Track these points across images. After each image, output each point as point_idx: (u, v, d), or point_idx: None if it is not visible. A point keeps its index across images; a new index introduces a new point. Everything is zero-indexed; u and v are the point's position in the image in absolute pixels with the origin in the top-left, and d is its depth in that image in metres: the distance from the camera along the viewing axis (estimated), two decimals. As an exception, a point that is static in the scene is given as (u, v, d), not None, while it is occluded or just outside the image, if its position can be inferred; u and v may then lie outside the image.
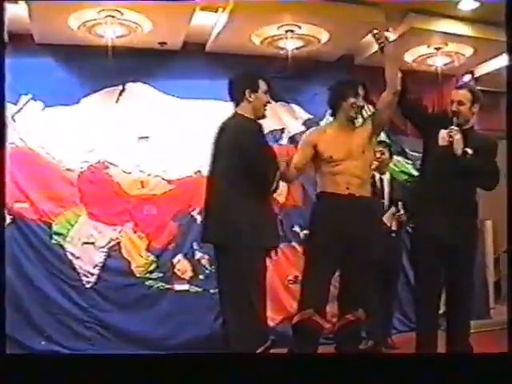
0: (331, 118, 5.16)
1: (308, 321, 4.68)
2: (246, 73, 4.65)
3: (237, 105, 4.51)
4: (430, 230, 4.92)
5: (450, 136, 4.81)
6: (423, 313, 5.13)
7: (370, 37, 5.08)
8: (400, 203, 6.25)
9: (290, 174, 4.86)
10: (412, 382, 2.69)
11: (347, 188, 4.71)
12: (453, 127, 4.84)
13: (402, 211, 6.25)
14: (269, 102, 4.56)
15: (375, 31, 4.95)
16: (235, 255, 4.22)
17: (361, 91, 4.87)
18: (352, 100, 4.82)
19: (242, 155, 4.24)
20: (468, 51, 6.78)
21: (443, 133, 4.87)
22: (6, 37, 5.88)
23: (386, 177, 6.51)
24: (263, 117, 4.52)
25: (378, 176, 6.35)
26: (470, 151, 4.79)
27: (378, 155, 6.19)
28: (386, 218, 6.22)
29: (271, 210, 4.62)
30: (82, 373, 2.67)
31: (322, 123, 7.01)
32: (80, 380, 2.65)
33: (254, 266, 4.26)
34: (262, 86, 4.46)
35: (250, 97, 4.40)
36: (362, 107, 4.95)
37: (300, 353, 4.73)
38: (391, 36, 5.19)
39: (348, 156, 4.75)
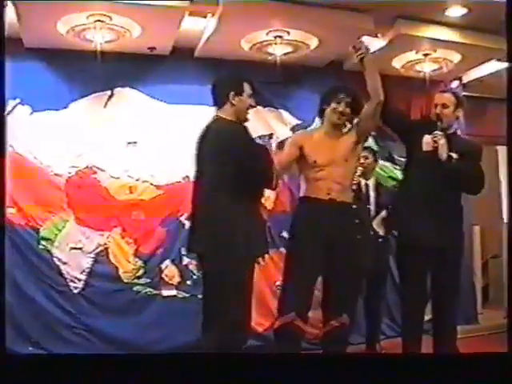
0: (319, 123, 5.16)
1: (290, 325, 4.64)
2: (230, 75, 4.60)
3: (219, 108, 4.41)
4: (416, 234, 4.94)
5: (435, 141, 4.83)
6: (408, 317, 5.17)
7: (350, 49, 5.02)
8: (389, 208, 6.26)
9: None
10: (412, 382, 2.69)
11: (328, 194, 4.68)
12: (437, 132, 4.86)
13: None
14: (253, 106, 4.46)
15: (354, 44, 4.94)
16: (223, 265, 4.11)
17: (345, 97, 4.82)
18: (334, 106, 4.81)
19: (230, 160, 4.13)
20: (456, 57, 6.80)
21: (427, 138, 4.89)
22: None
23: (371, 182, 6.52)
24: (245, 120, 4.41)
25: (363, 182, 6.36)
26: (454, 156, 4.82)
27: (362, 160, 6.18)
28: (375, 224, 6.24)
29: (261, 217, 4.54)
30: (82, 373, 2.66)
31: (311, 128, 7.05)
32: (80, 380, 2.65)
33: (244, 275, 4.18)
34: (247, 89, 4.37)
35: (234, 100, 4.29)
36: (347, 113, 4.85)
37: (299, 353, 4.73)
38: (371, 47, 5.14)
39: (331, 162, 4.73)
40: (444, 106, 4.99)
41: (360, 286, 5.46)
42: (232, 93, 4.28)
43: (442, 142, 4.82)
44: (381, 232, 6.28)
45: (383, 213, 6.31)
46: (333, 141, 4.85)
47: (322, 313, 4.93)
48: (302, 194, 4.94)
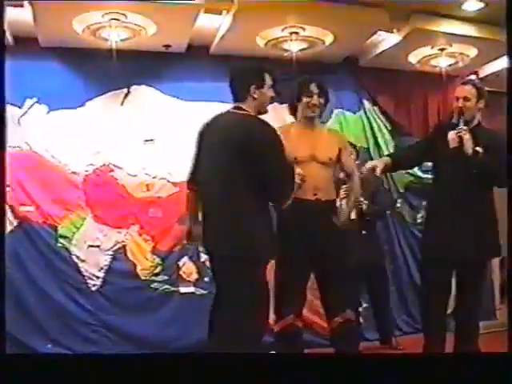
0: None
1: (290, 327, 4.58)
2: (249, 67, 4.31)
3: (239, 101, 4.14)
4: (443, 246, 4.80)
5: (460, 137, 4.72)
6: (431, 315, 5.04)
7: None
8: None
9: None
10: (411, 382, 2.69)
11: (315, 194, 4.54)
12: (461, 127, 4.75)
13: (364, 200, 6.17)
14: (274, 97, 4.20)
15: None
16: (238, 268, 3.91)
17: (314, 89, 4.67)
18: (306, 100, 4.67)
19: (257, 161, 3.89)
20: (472, 52, 6.77)
21: (452, 134, 4.78)
22: (9, 38, 5.96)
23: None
24: (265, 112, 4.19)
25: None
26: (480, 150, 4.71)
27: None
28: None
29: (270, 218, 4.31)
30: (82, 373, 2.67)
31: (328, 124, 7.03)
32: (80, 380, 2.65)
33: (259, 278, 3.99)
34: (268, 80, 4.12)
35: (255, 93, 4.06)
36: (320, 104, 4.71)
37: (300, 353, 4.68)
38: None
39: (312, 157, 4.59)
40: (466, 98, 4.86)
41: (355, 280, 5.36)
42: (253, 86, 4.05)
43: (467, 136, 4.72)
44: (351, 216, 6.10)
45: None
46: (310, 134, 4.72)
47: (324, 311, 4.84)
48: None
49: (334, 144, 4.75)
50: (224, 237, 3.98)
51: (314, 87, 4.67)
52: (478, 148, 4.70)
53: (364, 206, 6.17)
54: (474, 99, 4.88)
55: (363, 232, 6.25)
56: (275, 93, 4.20)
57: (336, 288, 4.63)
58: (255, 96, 4.07)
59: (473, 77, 7.70)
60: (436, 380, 2.67)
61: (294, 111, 4.88)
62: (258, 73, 4.14)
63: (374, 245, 6.49)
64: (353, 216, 6.00)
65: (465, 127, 4.76)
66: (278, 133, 4.05)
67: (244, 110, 4.08)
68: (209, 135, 4.21)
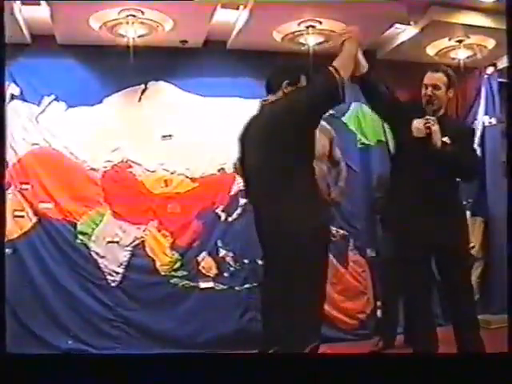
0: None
1: None
2: (287, 64, 4.35)
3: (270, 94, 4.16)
4: (413, 233, 4.58)
5: (428, 127, 4.44)
6: (417, 312, 4.79)
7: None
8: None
9: None
10: (411, 382, 2.68)
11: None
12: (429, 117, 4.50)
13: None
14: None
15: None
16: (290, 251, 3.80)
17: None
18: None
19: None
20: (490, 43, 6.72)
21: (418, 123, 4.50)
22: (26, 36, 6.00)
23: None
24: None
25: None
26: (448, 141, 4.47)
27: None
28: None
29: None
30: (82, 373, 2.67)
31: (344, 118, 7.02)
32: (80, 380, 2.66)
33: (321, 260, 3.92)
34: (303, 81, 4.09)
35: (287, 89, 4.04)
36: None
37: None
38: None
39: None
40: (435, 87, 4.61)
41: None
42: (286, 81, 4.05)
43: (436, 127, 4.44)
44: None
45: None
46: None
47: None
48: None
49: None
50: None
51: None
52: (445, 139, 4.46)
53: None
54: (444, 88, 4.65)
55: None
56: None
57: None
58: (285, 91, 4.06)
59: (490, 69, 7.66)
60: (436, 380, 2.67)
61: None
62: (295, 71, 4.14)
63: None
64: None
65: (433, 117, 4.52)
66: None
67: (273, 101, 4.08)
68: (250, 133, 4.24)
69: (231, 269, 6.52)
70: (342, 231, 6.82)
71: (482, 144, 7.55)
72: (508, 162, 3.33)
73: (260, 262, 6.53)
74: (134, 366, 2.79)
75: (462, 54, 6.83)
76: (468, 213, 6.31)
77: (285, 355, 3.68)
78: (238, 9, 5.98)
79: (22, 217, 6.16)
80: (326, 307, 6.64)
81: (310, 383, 2.72)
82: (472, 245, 6.69)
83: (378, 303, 6.62)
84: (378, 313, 6.63)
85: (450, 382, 2.66)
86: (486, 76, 7.70)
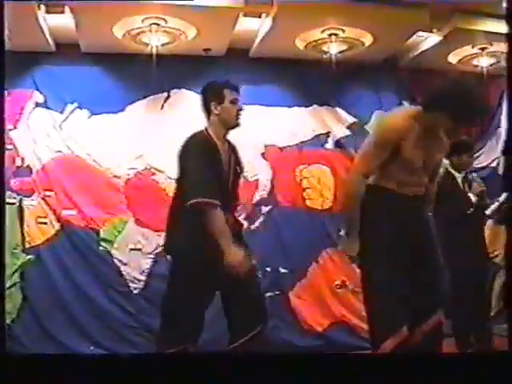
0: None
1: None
2: (208, 85, 4.30)
3: (208, 120, 4.23)
4: None
5: None
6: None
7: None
8: None
9: None
10: (411, 382, 2.67)
11: None
12: None
13: None
14: (241, 110, 4.19)
15: None
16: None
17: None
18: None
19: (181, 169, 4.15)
20: (513, 50, 6.69)
21: None
22: (51, 44, 6.04)
23: None
24: (235, 126, 4.22)
25: None
26: None
27: None
28: None
29: None
30: (82, 373, 2.67)
31: (368, 127, 7.01)
32: (80, 380, 2.66)
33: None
34: (228, 95, 4.15)
35: (216, 109, 4.12)
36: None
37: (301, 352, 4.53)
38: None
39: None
40: None
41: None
42: (213, 103, 4.13)
43: None
44: None
45: None
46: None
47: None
48: None
49: None
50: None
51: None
52: None
53: None
54: None
55: None
56: (240, 106, 4.18)
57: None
58: (216, 112, 4.13)
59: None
60: (436, 380, 2.65)
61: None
62: (217, 90, 4.17)
63: None
64: None
65: None
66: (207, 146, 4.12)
67: (202, 130, 4.20)
68: None
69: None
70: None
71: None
72: (507, 167, 3.30)
73: (282, 270, 6.57)
74: (134, 366, 2.79)
75: (485, 62, 6.80)
76: (491, 221, 6.26)
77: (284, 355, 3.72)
78: (260, 17, 5.99)
79: (46, 223, 6.21)
80: (348, 316, 6.67)
81: (309, 383, 2.71)
82: (496, 253, 6.64)
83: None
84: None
85: (450, 382, 2.64)
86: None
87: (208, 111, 4.19)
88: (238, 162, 4.32)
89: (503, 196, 6.00)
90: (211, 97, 4.17)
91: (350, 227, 4.02)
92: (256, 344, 4.20)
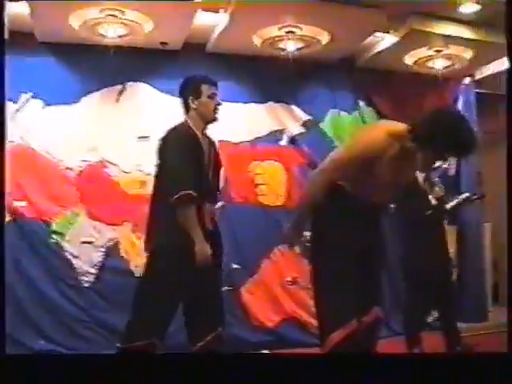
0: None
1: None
2: (186, 80, 4.36)
3: (186, 113, 4.28)
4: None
5: None
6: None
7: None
8: None
9: None
10: (411, 382, 2.69)
11: None
12: None
13: None
14: (219, 104, 4.26)
15: None
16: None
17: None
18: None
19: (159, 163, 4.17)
20: (469, 54, 6.79)
21: None
22: (6, 36, 5.93)
23: None
24: (213, 120, 4.26)
25: None
26: None
27: None
28: None
29: None
30: (82, 373, 2.66)
31: (322, 125, 7.06)
32: (80, 380, 2.64)
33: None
34: (205, 90, 4.21)
35: (194, 104, 4.19)
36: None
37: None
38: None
39: None
40: None
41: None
42: (190, 97, 4.20)
43: None
44: None
45: None
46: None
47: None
48: None
49: None
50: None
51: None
52: None
53: None
54: None
55: None
56: (218, 101, 4.25)
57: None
58: (194, 106, 4.19)
59: (468, 80, 7.75)
60: (436, 380, 2.67)
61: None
62: (194, 84, 4.24)
63: None
64: None
65: None
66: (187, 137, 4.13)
67: (182, 122, 4.23)
68: None
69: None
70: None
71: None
72: (508, 164, 3.33)
73: (235, 266, 6.57)
74: (135, 366, 2.78)
75: (440, 64, 6.89)
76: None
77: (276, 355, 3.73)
78: (218, 12, 5.99)
79: (-5, 214, 6.12)
80: (300, 312, 6.71)
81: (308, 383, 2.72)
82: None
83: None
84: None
85: (450, 382, 2.66)
86: (463, 86, 7.76)
87: (186, 105, 4.24)
88: (216, 157, 4.33)
89: (465, 195, 6.12)
90: (189, 91, 4.22)
91: (301, 223, 4.03)
92: (216, 344, 4.22)
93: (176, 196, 3.88)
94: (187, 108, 4.24)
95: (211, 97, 4.21)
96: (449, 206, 5.98)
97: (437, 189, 5.86)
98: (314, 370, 2.76)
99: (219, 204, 4.84)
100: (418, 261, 5.61)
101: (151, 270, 4.16)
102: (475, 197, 6.29)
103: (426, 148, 3.60)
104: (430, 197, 5.78)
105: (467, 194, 6.27)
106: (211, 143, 4.31)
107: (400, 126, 3.73)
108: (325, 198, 3.83)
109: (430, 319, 6.38)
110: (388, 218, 4.76)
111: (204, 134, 4.25)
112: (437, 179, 6.09)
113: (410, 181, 4.18)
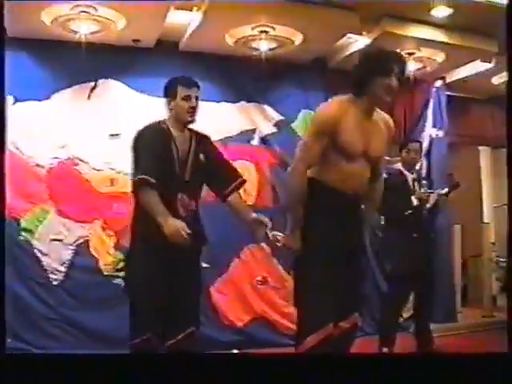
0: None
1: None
2: (167, 81, 4.36)
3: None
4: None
5: None
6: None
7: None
8: None
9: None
10: (411, 382, 2.69)
11: None
12: None
13: None
14: (195, 107, 4.21)
15: None
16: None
17: (396, 69, 3.81)
18: (382, 81, 3.79)
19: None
20: (440, 57, 6.84)
21: None
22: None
23: None
24: (190, 122, 4.25)
25: None
26: None
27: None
28: None
29: None
30: (82, 373, 2.65)
31: (294, 125, 7.07)
32: (80, 380, 2.63)
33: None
34: (181, 92, 4.20)
35: (170, 105, 4.23)
36: (395, 89, 3.83)
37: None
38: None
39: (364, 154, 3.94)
40: None
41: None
42: (168, 98, 4.25)
43: None
44: None
45: None
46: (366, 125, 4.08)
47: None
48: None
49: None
50: None
51: (397, 67, 3.85)
52: None
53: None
54: None
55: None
56: (195, 103, 4.22)
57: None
58: (170, 107, 4.24)
59: (439, 83, 7.80)
60: (436, 380, 2.68)
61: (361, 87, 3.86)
62: (171, 86, 4.27)
63: None
64: None
65: None
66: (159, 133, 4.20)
67: (163, 119, 4.29)
68: None
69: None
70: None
71: (428, 156, 7.66)
72: (508, 164, 3.35)
73: (204, 265, 6.56)
74: (135, 366, 2.77)
75: (411, 67, 6.91)
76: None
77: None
78: (191, 11, 5.98)
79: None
80: (269, 312, 6.72)
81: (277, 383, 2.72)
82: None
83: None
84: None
85: (450, 382, 2.67)
86: (434, 89, 7.81)
87: (167, 106, 4.27)
88: (202, 151, 4.30)
89: (437, 190, 6.14)
90: (167, 92, 4.27)
91: (293, 221, 4.01)
92: (188, 343, 4.21)
93: (133, 179, 4.02)
94: (167, 108, 4.27)
95: (185, 99, 4.19)
96: (428, 205, 6.01)
97: (422, 190, 5.91)
98: (283, 370, 2.76)
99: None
100: (395, 260, 5.66)
101: (135, 266, 4.22)
102: (448, 189, 6.27)
103: (366, 81, 3.78)
104: (413, 197, 5.83)
105: (439, 190, 6.24)
106: (198, 138, 4.31)
107: (348, 95, 3.86)
108: (305, 194, 3.85)
109: (400, 320, 6.41)
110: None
111: (188, 130, 4.29)
112: (425, 182, 6.14)
113: (382, 156, 4.13)
